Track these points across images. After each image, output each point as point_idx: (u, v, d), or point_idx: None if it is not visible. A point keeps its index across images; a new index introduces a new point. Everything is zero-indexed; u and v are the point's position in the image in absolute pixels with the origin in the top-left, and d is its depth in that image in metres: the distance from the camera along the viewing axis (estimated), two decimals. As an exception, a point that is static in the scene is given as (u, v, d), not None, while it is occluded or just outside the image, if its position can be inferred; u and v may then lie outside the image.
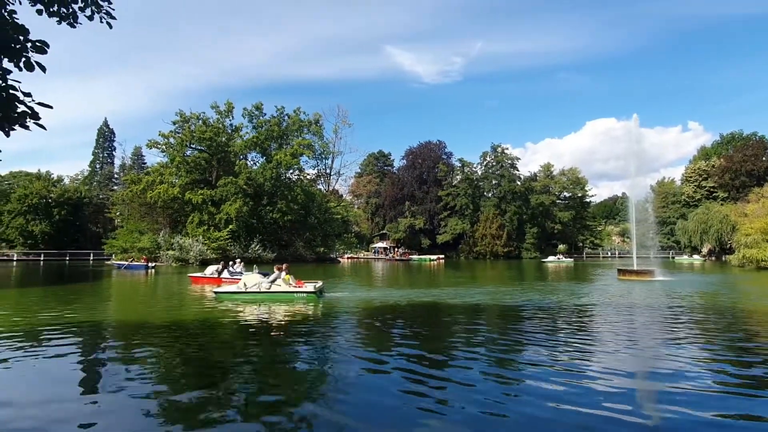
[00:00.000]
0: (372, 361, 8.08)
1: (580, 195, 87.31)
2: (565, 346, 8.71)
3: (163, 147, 56.14)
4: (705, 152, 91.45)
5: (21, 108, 4.01)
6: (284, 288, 16.21)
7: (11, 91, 4.14)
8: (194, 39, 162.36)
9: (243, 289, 16.39)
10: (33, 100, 4.03)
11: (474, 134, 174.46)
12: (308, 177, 68.81)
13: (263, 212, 56.36)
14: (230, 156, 57.71)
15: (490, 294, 19.20)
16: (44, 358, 8.27)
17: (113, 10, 5.30)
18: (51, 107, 4.07)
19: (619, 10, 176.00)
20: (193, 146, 56.36)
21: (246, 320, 12.62)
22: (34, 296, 19.13)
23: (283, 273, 16.87)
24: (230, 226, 51.20)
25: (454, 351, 8.80)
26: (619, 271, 28.04)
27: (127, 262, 40.60)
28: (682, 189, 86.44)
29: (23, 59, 4.35)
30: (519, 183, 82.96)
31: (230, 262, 24.44)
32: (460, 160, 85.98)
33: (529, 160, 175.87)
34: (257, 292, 16.18)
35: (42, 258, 57.48)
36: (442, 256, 73.85)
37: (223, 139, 57.21)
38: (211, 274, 22.68)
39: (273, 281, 16.46)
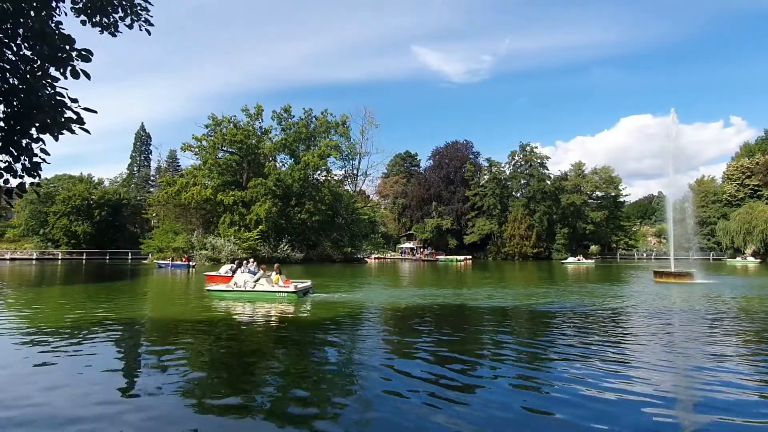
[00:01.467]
0: (396, 362, 8.10)
1: (613, 194, 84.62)
2: (598, 352, 8.43)
3: (196, 150, 57.99)
4: (748, 149, 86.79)
5: (68, 113, 4.26)
6: (267, 287, 16.61)
7: (59, 98, 4.40)
8: (226, 45, 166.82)
9: (234, 288, 16.94)
10: (79, 106, 4.28)
11: (502, 133, 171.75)
12: (335, 178, 69.50)
13: (292, 213, 57.32)
14: (260, 158, 59.01)
15: (520, 296, 18.90)
16: (86, 354, 8.69)
17: (151, 17, 5.54)
18: (96, 112, 4.31)
19: (658, 1, 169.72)
20: (225, 149, 57.94)
21: (270, 320, 12.89)
22: (79, 294, 20.09)
23: (274, 273, 17.36)
24: (260, 227, 52.31)
25: (481, 356, 8.72)
26: (656, 273, 27.03)
27: (169, 262, 42.30)
28: (724, 187, 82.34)
29: (69, 68, 4.61)
30: (549, 182, 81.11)
31: (244, 261, 25.09)
32: (488, 160, 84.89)
33: (559, 159, 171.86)
34: (244, 290, 16.70)
35: (84, 257, 60.40)
36: (469, 256, 73.06)
37: (253, 141, 58.55)
38: (226, 272, 23.54)
39: (257, 280, 16.98)
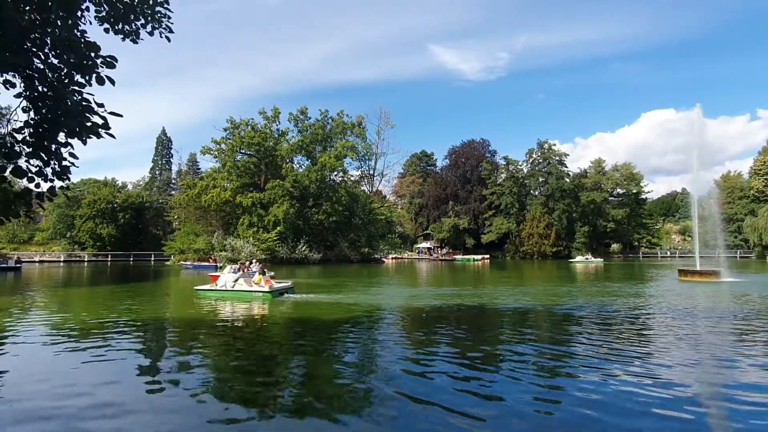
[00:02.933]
0: (416, 363, 8.11)
1: (634, 191, 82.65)
2: (621, 353, 8.26)
3: (216, 153, 58.97)
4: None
5: (95, 118, 4.41)
6: (245, 287, 17.23)
7: (85, 104, 4.56)
8: (244, 49, 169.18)
9: (217, 287, 17.68)
10: (105, 111, 4.43)
11: (519, 131, 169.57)
12: (352, 178, 69.78)
13: (309, 214, 57.77)
14: (277, 160, 59.65)
15: (540, 296, 18.68)
16: (113, 350, 8.95)
17: (172, 24, 5.69)
18: (121, 116, 4.45)
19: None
20: (243, 151, 58.76)
21: (292, 319, 13.03)
22: (104, 295, 20.65)
23: (257, 274, 18.06)
24: (278, 228, 52.86)
25: (501, 356, 8.67)
26: (680, 271, 26.36)
27: (194, 263, 43.16)
28: (751, 183, 79.61)
29: (95, 74, 4.77)
30: (568, 180, 79.81)
31: (247, 263, 25.82)
32: (505, 158, 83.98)
33: (578, 156, 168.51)
34: (225, 290, 17.38)
35: (109, 259, 62.04)
36: (487, 256, 72.45)
37: (271, 143, 59.21)
38: (230, 271, 23.60)
39: (236, 280, 17.65)
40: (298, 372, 7.42)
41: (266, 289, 16.83)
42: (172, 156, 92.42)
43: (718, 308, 14.00)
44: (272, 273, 26.52)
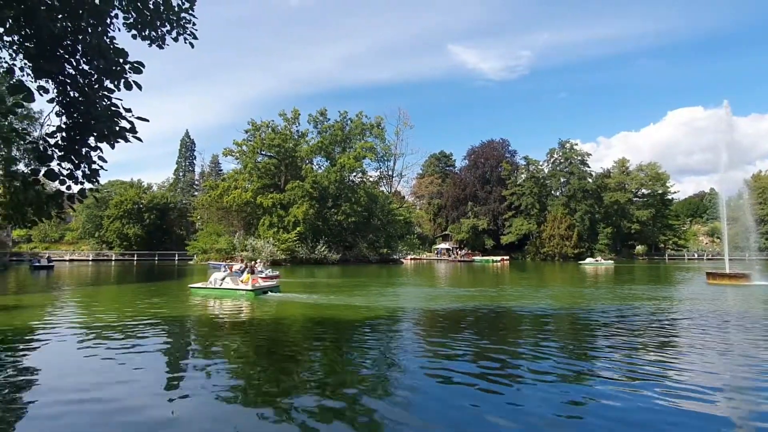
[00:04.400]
0: (435, 366, 8.09)
1: (660, 192, 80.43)
2: (645, 358, 8.04)
3: (237, 155, 60.05)
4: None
5: (122, 123, 4.57)
6: (231, 285, 18.13)
7: (114, 108, 4.72)
8: (264, 52, 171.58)
9: (206, 285, 18.63)
10: (132, 115, 4.58)
11: (540, 131, 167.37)
12: (371, 179, 70.02)
13: (328, 214, 58.21)
14: (297, 161, 60.32)
15: (561, 298, 18.40)
16: (135, 347, 9.21)
17: (196, 30, 5.83)
18: (147, 120, 4.60)
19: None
20: (264, 153, 59.63)
21: (312, 320, 13.16)
22: (131, 292, 21.23)
23: (246, 272, 19.08)
24: (298, 228, 53.45)
25: (522, 359, 8.58)
26: (709, 274, 25.53)
27: (224, 262, 43.94)
28: (785, 183, 76.66)
29: (123, 80, 4.94)
30: (590, 180, 78.27)
31: (252, 262, 26.97)
32: (525, 158, 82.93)
33: (601, 156, 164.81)
34: (213, 287, 18.32)
35: (135, 258, 63.80)
36: (506, 257, 71.61)
37: (291, 145, 59.92)
38: (236, 272, 24.30)
39: (223, 279, 18.55)
40: (318, 372, 7.50)
41: (249, 287, 17.76)
42: (195, 158, 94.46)
43: (749, 313, 13.51)
44: (276, 272, 27.56)
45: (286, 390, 6.37)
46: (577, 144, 79.87)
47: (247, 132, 59.85)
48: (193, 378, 7.01)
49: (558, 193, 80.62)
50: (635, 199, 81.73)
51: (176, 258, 62.95)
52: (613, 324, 11.61)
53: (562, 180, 79.66)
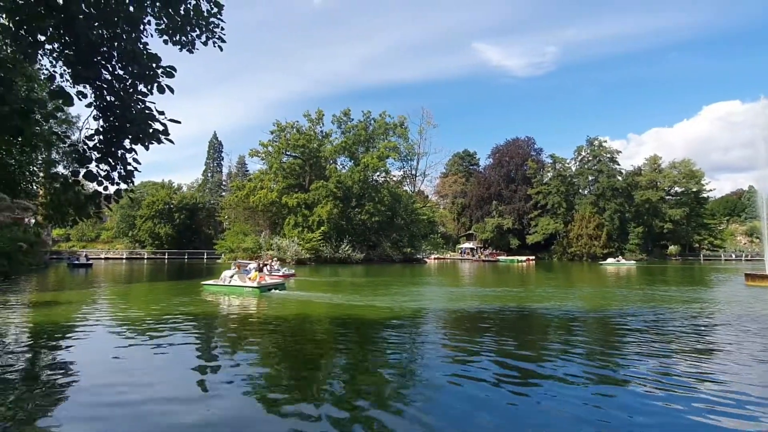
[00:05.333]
0: (459, 366, 8.06)
1: (694, 190, 77.33)
2: (678, 364, 7.77)
3: (263, 155, 61.18)
4: None
5: (156, 125, 4.75)
6: (239, 283, 19.14)
7: (148, 112, 4.90)
8: (290, 52, 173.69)
9: (217, 282, 19.72)
10: (165, 118, 4.75)
11: (567, 128, 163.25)
12: (394, 179, 70.03)
13: (352, 214, 58.56)
14: (321, 161, 60.92)
15: (588, 299, 17.99)
16: (167, 344, 9.52)
17: (224, 34, 5.99)
18: (180, 122, 4.76)
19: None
20: (289, 153, 60.47)
21: (332, 317, 13.28)
22: (163, 290, 21.93)
23: (253, 271, 20.20)
24: (322, 228, 53.98)
25: (548, 363, 8.44)
26: (747, 275, 24.43)
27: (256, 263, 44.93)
28: (832, 179, 72.37)
29: (156, 84, 5.12)
30: (620, 178, 75.96)
31: (270, 261, 28.55)
32: (552, 156, 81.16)
33: (632, 153, 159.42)
34: (223, 284, 19.34)
35: (166, 257, 65.83)
36: (532, 257, 70.31)
37: (315, 145, 60.55)
38: (251, 270, 25.47)
39: (231, 276, 19.58)
40: (340, 370, 7.57)
41: (255, 285, 18.78)
42: (222, 159, 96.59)
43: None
44: (292, 271, 28.47)
45: (308, 390, 6.47)
46: (606, 141, 77.74)
47: (272, 133, 60.86)
48: (219, 374, 7.20)
49: (586, 192, 78.63)
50: (668, 197, 78.90)
51: (205, 256, 64.57)
52: (643, 328, 11.27)
53: (590, 178, 77.64)
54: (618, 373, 7.04)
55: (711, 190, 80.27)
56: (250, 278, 19.42)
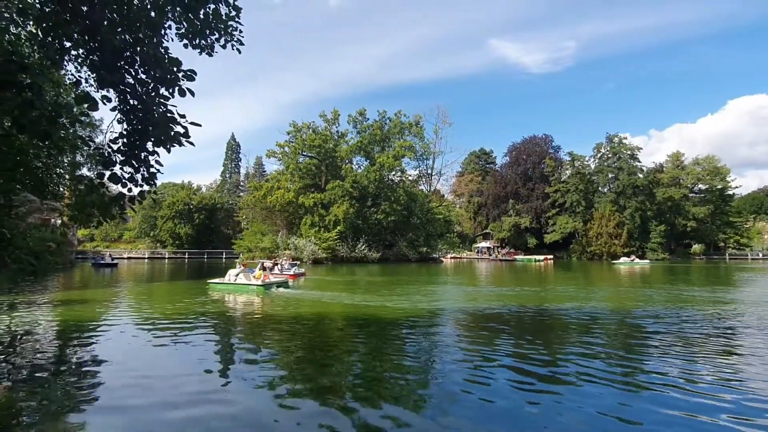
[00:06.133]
0: (476, 368, 8.01)
1: (719, 187, 75.15)
2: (703, 369, 7.52)
3: (280, 156, 61.82)
4: None
5: (177, 128, 4.85)
6: (244, 281, 19.90)
7: (169, 115, 5.01)
8: (306, 53, 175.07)
9: (224, 281, 20.48)
10: (186, 121, 4.85)
11: (586, 125, 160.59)
12: (410, 178, 69.96)
13: (368, 213, 58.70)
14: (337, 161, 61.23)
15: (608, 299, 17.67)
16: (185, 342, 9.70)
17: (242, 37, 6.07)
18: (200, 125, 4.84)
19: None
20: (305, 154, 60.96)
21: (348, 317, 13.34)
22: (184, 289, 22.35)
23: (258, 269, 21.10)
24: (338, 227, 54.27)
25: (567, 366, 8.34)
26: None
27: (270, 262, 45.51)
28: None
29: (177, 87, 5.22)
30: (641, 176, 74.28)
31: (280, 259, 31.11)
32: (570, 154, 79.92)
33: (653, 150, 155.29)
34: (229, 283, 20.09)
35: (186, 256, 67.09)
36: (550, 256, 69.36)
37: (331, 145, 60.89)
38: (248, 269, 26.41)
39: (237, 275, 20.37)
40: (355, 368, 7.61)
41: (258, 283, 19.60)
42: (240, 160, 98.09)
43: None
44: (302, 270, 29.05)
45: (323, 390, 6.52)
46: (626, 138, 76.21)
47: (288, 134, 61.46)
48: (236, 372, 7.31)
49: (606, 190, 77.19)
50: (691, 195, 76.96)
51: (224, 256, 65.57)
52: (666, 330, 11.02)
53: (610, 176, 76.18)
54: (639, 379, 6.83)
55: (737, 187, 77.94)
56: (254, 276, 20.21)
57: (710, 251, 77.02)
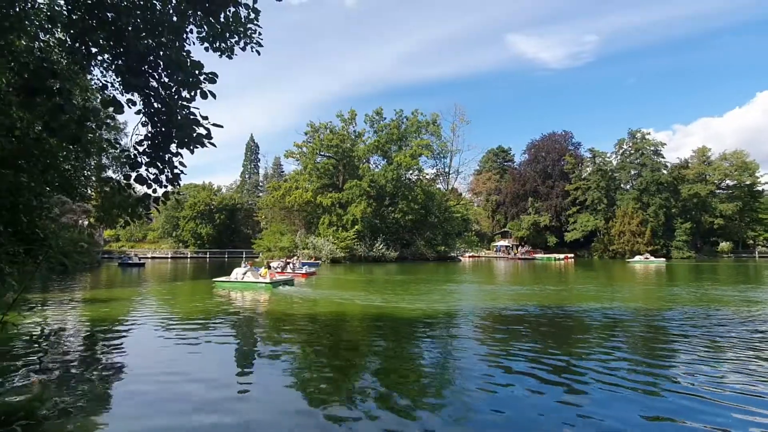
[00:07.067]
0: (496, 368, 7.97)
1: (748, 183, 72.68)
2: (733, 376, 7.22)
3: (297, 156, 62.38)
4: None
5: (200, 130, 4.96)
6: (252, 279, 20.72)
7: (192, 117, 5.12)
8: (322, 54, 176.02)
9: (230, 279, 21.25)
10: (209, 122, 4.95)
11: (607, 121, 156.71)
12: (427, 177, 69.75)
13: (386, 212, 58.78)
14: (354, 160, 61.47)
15: (632, 299, 17.31)
16: (207, 341, 9.90)
17: (262, 39, 6.17)
18: (222, 126, 4.94)
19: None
20: (322, 153, 61.37)
21: (366, 316, 13.40)
22: (206, 288, 22.77)
23: (263, 268, 22.02)
24: (356, 227, 54.49)
25: (591, 369, 8.21)
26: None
27: (307, 261, 45.95)
28: None
29: (199, 90, 5.34)
30: (665, 172, 72.46)
31: (291, 259, 32.22)
32: (591, 150, 78.45)
33: (678, 145, 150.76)
34: (236, 281, 20.86)
35: (208, 256, 68.36)
36: (570, 255, 68.22)
37: (348, 145, 61.16)
38: (275, 268, 27.68)
39: (244, 273, 21.20)
40: (374, 368, 7.64)
41: (267, 280, 20.52)
42: (259, 161, 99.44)
43: None
44: (313, 269, 31.27)
45: (341, 389, 6.58)
46: (649, 133, 74.50)
47: (306, 134, 61.96)
48: (256, 370, 7.43)
49: (628, 187, 75.58)
50: (718, 191, 74.69)
51: (244, 255, 66.49)
52: (692, 332, 10.72)
53: (632, 172, 74.52)
54: (662, 387, 6.56)
55: (766, 183, 75.21)
56: (261, 274, 21.19)
57: (738, 249, 74.60)
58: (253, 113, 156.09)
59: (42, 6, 6.44)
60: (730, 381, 6.65)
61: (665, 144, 74.54)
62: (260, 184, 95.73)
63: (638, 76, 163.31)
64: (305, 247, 53.16)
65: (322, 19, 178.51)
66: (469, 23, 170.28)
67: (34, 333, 10.20)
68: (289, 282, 21.97)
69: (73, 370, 7.31)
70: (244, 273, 21.23)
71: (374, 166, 64.05)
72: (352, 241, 53.50)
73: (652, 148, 73.24)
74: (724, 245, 74.04)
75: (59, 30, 6.44)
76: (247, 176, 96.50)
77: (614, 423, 5.04)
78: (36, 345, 9.04)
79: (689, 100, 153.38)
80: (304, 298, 17.12)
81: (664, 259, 55.93)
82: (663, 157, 73.72)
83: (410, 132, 63.50)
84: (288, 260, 31.19)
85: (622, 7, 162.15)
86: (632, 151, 74.92)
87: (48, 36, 6.65)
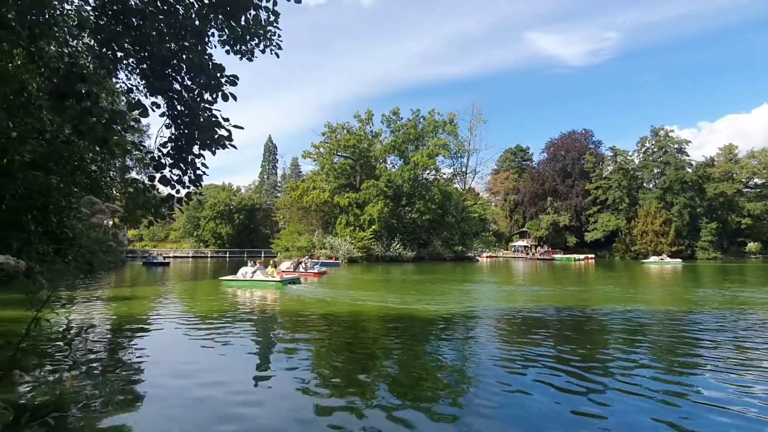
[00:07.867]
0: (515, 374, 7.89)
1: (778, 181, 70.24)
2: (761, 383, 6.93)
3: (315, 156, 62.90)
4: None
5: (221, 131, 5.06)
6: (261, 277, 21.39)
7: (214, 119, 5.23)
8: (340, 54, 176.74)
9: (238, 278, 21.75)
10: (230, 124, 5.05)
11: (629, 119, 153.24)
12: (444, 176, 69.43)
13: (403, 212, 58.76)
14: (371, 161, 61.63)
15: (655, 301, 16.92)
16: (227, 340, 10.07)
17: (281, 41, 6.25)
18: (242, 128, 5.04)
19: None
20: (340, 154, 61.73)
21: (382, 315, 13.42)
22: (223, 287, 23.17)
23: (269, 267, 22.88)
24: (373, 227, 54.62)
25: (610, 373, 8.08)
26: None
27: (326, 260, 46.16)
28: None
29: (220, 93, 5.44)
30: (690, 170, 70.47)
31: (303, 258, 33.43)
32: (612, 149, 76.77)
33: (703, 143, 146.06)
34: (244, 279, 21.34)
35: (227, 255, 69.46)
36: (591, 255, 66.91)
37: (365, 145, 61.36)
38: (287, 268, 28.60)
39: (254, 272, 21.82)
40: (388, 373, 7.65)
41: (277, 279, 21.25)
42: (277, 161, 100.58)
43: None
44: (324, 269, 31.69)
45: (357, 390, 6.61)
46: (673, 131, 72.56)
47: (324, 134, 62.42)
48: (274, 369, 7.53)
49: (651, 186, 73.76)
50: (746, 190, 72.33)
51: (262, 255, 67.39)
52: (717, 336, 10.42)
53: (655, 171, 72.68)
54: (687, 396, 6.33)
55: (798, 181, 72.51)
56: (268, 273, 21.99)
57: (767, 249, 72.14)
58: (271, 114, 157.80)
59: (70, 12, 6.66)
60: (758, 392, 6.26)
61: (690, 142, 72.68)
62: (278, 184, 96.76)
63: (661, 72, 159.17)
64: (322, 247, 53.54)
65: (339, 19, 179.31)
66: (487, 21, 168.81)
67: (65, 330, 10.53)
68: (296, 280, 22.66)
69: (102, 367, 7.53)
70: (254, 271, 21.97)
71: (391, 166, 64.09)
72: (369, 241, 53.64)
73: (676, 146, 71.37)
74: (752, 245, 71.68)
75: (87, 35, 6.64)
76: (265, 177, 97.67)
77: None
78: (66, 342, 9.34)
79: (714, 96, 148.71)
80: (321, 298, 17.23)
81: (680, 260, 54.46)
82: (687, 155, 71.85)
83: (427, 132, 63.32)
84: (300, 260, 31.93)
85: (642, 2, 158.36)
86: (655, 149, 73.13)
87: (76, 41, 6.86)
